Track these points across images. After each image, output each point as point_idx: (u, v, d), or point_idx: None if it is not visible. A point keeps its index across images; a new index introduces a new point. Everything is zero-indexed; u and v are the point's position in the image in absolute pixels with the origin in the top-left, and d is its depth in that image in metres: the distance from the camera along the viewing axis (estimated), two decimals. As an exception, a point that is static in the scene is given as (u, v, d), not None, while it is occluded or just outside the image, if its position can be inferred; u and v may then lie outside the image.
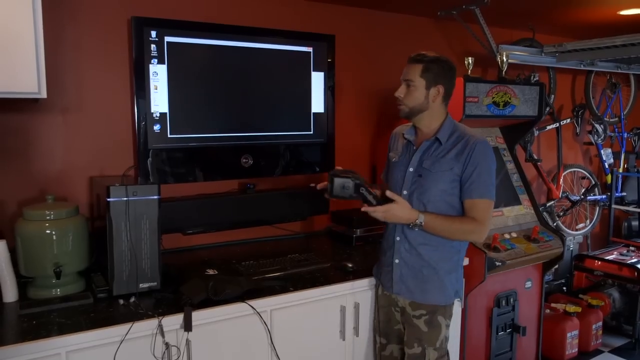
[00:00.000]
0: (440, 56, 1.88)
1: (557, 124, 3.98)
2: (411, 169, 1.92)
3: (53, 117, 2.21)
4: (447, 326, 1.97)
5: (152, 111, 2.26)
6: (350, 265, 2.23)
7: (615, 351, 3.45)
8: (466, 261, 2.38)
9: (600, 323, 3.41)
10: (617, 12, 3.12)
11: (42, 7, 1.76)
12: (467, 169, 1.84)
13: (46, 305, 1.75)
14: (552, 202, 3.88)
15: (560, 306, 3.33)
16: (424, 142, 1.92)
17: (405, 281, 1.94)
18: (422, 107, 1.89)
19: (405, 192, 1.92)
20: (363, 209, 1.83)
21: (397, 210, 1.81)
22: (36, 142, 2.19)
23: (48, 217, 1.85)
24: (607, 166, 4.29)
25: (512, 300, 2.77)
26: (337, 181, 1.82)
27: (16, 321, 1.66)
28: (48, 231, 1.83)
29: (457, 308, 2.14)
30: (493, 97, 2.72)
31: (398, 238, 1.94)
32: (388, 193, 1.84)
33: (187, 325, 1.71)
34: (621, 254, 3.74)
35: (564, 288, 3.89)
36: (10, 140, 2.13)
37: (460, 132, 1.91)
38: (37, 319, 1.66)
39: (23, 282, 1.90)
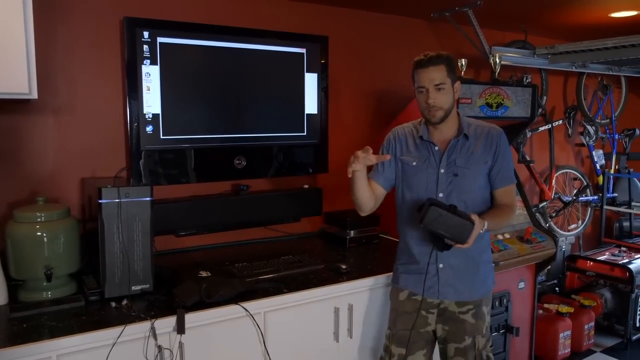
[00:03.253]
0: (446, 53, 1.86)
1: (550, 126, 4.02)
2: (442, 170, 1.88)
3: (44, 118, 2.19)
4: (489, 312, 2.00)
5: (144, 112, 2.25)
6: (344, 266, 2.23)
7: (607, 351, 3.47)
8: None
9: (593, 323, 3.43)
10: (609, 15, 3.14)
11: (33, 8, 1.75)
12: (497, 159, 1.88)
13: (37, 308, 1.73)
14: (545, 203, 3.90)
15: (552, 307, 3.35)
16: (452, 141, 1.89)
17: (452, 284, 1.91)
18: (452, 106, 1.87)
19: (441, 195, 1.87)
20: (457, 246, 1.72)
21: (478, 228, 1.71)
22: (27, 143, 2.17)
23: (39, 219, 1.84)
24: (598, 167, 4.32)
25: (505, 301, 2.77)
26: (434, 210, 1.67)
27: (6, 324, 1.64)
28: (39, 233, 1.82)
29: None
30: (486, 99, 2.73)
31: None
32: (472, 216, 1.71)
33: (180, 328, 1.70)
34: (613, 255, 3.77)
35: (557, 288, 3.91)
36: (0, 141, 2.11)
37: (474, 124, 1.94)
38: (28, 322, 1.64)
39: (13, 285, 1.88)
